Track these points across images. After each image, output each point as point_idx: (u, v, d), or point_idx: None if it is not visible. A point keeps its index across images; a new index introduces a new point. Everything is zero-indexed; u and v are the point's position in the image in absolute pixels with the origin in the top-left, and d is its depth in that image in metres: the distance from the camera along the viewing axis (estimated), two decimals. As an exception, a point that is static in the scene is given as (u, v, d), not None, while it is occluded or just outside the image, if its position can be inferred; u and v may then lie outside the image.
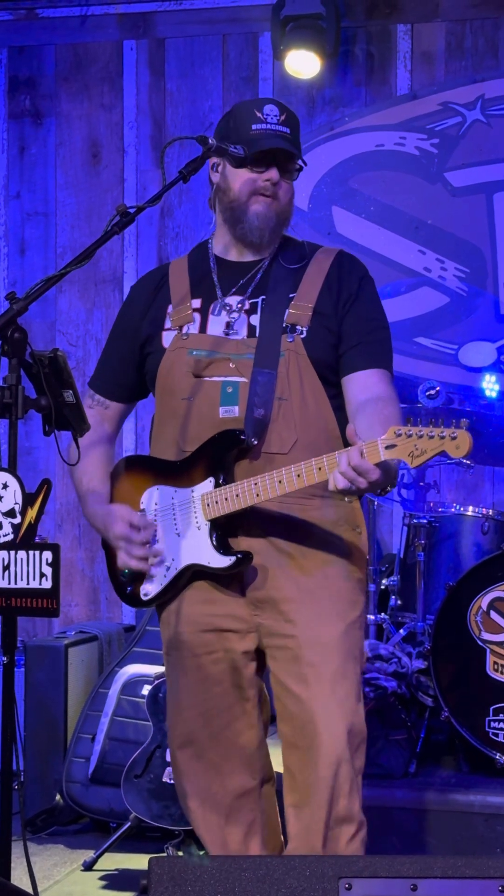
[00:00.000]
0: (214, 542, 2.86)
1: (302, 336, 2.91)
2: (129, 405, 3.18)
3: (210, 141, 2.82)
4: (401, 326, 5.47)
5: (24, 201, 6.10)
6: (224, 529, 2.88)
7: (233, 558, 2.85)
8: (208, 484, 2.87)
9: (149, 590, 2.95)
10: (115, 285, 5.93)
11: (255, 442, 2.86)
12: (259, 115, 2.92)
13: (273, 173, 2.92)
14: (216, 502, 2.85)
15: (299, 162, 2.97)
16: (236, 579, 2.89)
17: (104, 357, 3.17)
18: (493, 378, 5.34)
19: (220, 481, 2.85)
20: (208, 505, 2.86)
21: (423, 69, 5.75)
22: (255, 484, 2.80)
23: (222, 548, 2.86)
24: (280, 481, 2.78)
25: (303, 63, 5.61)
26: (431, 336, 5.65)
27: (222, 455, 2.86)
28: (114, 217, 2.72)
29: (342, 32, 5.65)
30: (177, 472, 2.93)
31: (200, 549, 2.88)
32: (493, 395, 5.29)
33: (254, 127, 2.91)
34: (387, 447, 2.65)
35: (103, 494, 3.04)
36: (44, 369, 2.57)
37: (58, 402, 2.59)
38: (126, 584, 2.98)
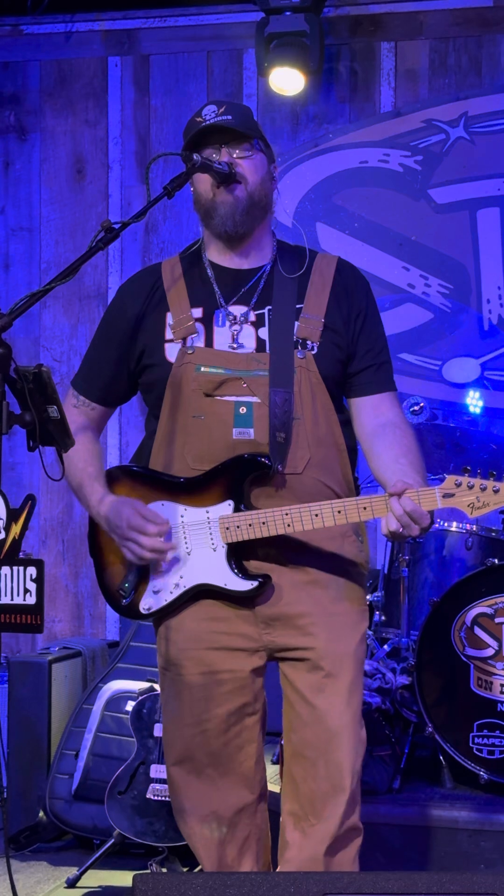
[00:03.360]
0: (234, 567, 2.84)
1: (313, 352, 2.90)
2: (113, 409, 3.14)
3: (195, 157, 2.83)
4: (385, 342, 5.49)
5: (8, 217, 6.10)
6: (240, 552, 2.85)
7: (254, 583, 2.83)
8: (226, 507, 2.83)
9: (151, 604, 2.90)
10: (99, 301, 5.93)
11: (281, 469, 2.84)
12: (199, 118, 2.92)
13: (224, 156, 2.88)
14: (237, 527, 2.81)
15: (256, 142, 2.91)
16: (246, 597, 2.86)
17: (93, 361, 3.07)
18: (477, 394, 5.35)
19: (241, 506, 2.82)
20: (228, 528, 2.82)
21: (406, 86, 5.77)
22: (287, 514, 2.78)
23: (241, 572, 2.84)
24: (317, 515, 2.77)
25: (287, 80, 5.63)
26: (415, 352, 5.67)
27: (241, 478, 2.83)
28: (98, 233, 2.72)
29: (326, 50, 5.67)
30: (185, 490, 2.88)
31: (215, 571, 2.85)
32: (477, 410, 5.30)
33: (195, 130, 2.91)
34: (444, 496, 2.70)
35: (104, 483, 2.96)
36: (28, 385, 2.56)
37: (42, 418, 2.58)
38: (123, 595, 2.92)
